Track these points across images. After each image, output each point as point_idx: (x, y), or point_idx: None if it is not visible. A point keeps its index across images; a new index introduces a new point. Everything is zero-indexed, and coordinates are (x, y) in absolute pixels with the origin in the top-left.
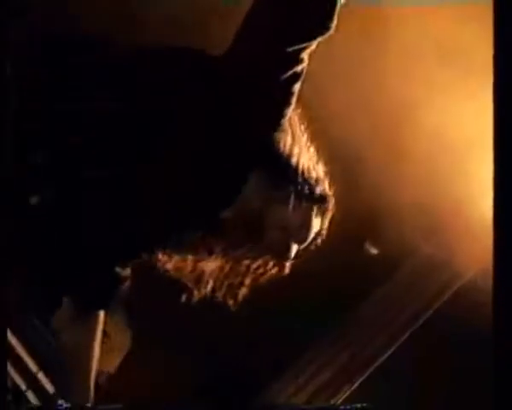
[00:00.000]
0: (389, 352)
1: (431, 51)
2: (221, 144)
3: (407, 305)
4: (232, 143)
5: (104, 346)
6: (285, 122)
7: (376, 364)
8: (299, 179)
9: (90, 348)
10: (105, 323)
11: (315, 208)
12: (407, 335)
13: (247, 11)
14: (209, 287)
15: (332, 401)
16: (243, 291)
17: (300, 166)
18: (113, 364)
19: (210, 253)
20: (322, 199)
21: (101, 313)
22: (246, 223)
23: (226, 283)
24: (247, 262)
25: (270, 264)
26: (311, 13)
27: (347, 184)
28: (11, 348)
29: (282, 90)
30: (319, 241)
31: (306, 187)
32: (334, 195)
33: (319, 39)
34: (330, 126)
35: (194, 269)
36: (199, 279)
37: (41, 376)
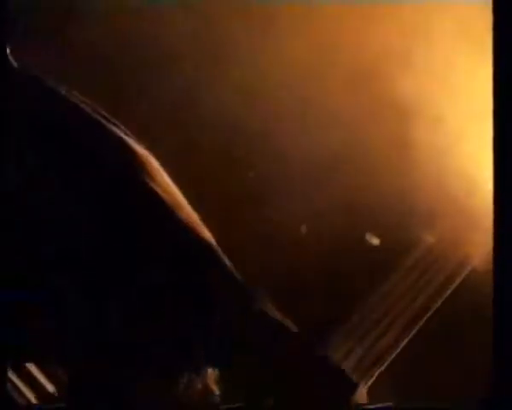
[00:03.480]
0: (401, 346)
1: None
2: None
3: (415, 297)
4: None
5: None
6: None
7: (388, 359)
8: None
9: None
10: None
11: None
12: (418, 327)
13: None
14: None
15: None
16: None
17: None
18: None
19: None
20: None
21: None
22: None
23: None
24: None
25: None
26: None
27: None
28: None
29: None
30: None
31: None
32: None
33: None
34: None
35: None
36: None
37: None
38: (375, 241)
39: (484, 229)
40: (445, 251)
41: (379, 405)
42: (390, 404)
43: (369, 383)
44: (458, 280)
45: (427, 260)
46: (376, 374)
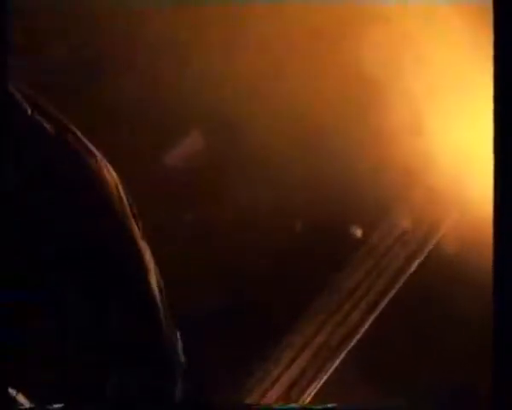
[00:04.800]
0: (368, 323)
1: None
2: None
3: (379, 274)
4: None
5: None
6: None
7: (356, 338)
8: None
9: None
10: None
11: None
12: (383, 305)
13: None
14: None
15: (318, 379)
16: None
17: None
18: None
19: None
20: None
21: None
22: None
23: None
24: None
25: None
26: None
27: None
28: None
29: None
30: None
31: None
32: None
33: None
34: None
35: None
36: None
37: None
38: (359, 233)
39: (445, 202)
40: (412, 226)
41: (321, 406)
42: (335, 405)
43: (337, 362)
44: (426, 250)
45: (392, 235)
46: (343, 355)
